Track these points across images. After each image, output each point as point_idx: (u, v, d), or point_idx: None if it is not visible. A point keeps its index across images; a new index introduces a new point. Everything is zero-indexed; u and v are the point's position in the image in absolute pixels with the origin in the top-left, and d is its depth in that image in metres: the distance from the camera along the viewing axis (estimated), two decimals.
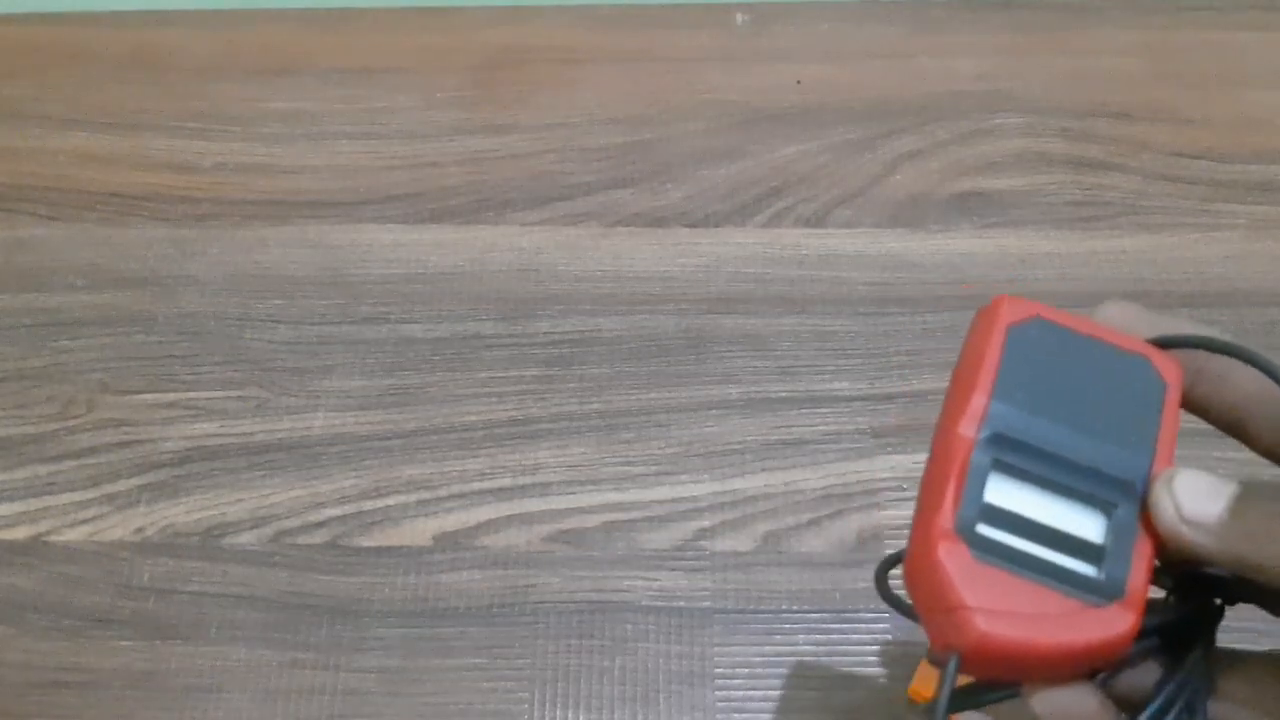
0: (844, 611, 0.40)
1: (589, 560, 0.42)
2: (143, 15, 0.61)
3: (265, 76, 0.58)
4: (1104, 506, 0.23)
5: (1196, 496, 0.22)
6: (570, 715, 0.39)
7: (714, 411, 0.45)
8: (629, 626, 0.40)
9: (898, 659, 0.39)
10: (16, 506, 0.44)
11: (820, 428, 0.45)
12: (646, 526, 0.42)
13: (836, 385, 0.46)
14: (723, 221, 0.51)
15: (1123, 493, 0.23)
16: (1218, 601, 0.26)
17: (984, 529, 0.23)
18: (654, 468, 0.44)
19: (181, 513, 0.43)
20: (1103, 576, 0.23)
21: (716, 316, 0.48)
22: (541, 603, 0.41)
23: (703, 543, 0.42)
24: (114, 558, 0.42)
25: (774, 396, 0.45)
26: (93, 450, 0.45)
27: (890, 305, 0.48)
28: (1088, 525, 0.23)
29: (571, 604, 0.41)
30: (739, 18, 0.60)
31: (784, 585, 0.41)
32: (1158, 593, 0.26)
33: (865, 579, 0.41)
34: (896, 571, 0.27)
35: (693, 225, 0.51)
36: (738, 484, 0.43)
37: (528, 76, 0.57)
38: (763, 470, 0.44)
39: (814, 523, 0.42)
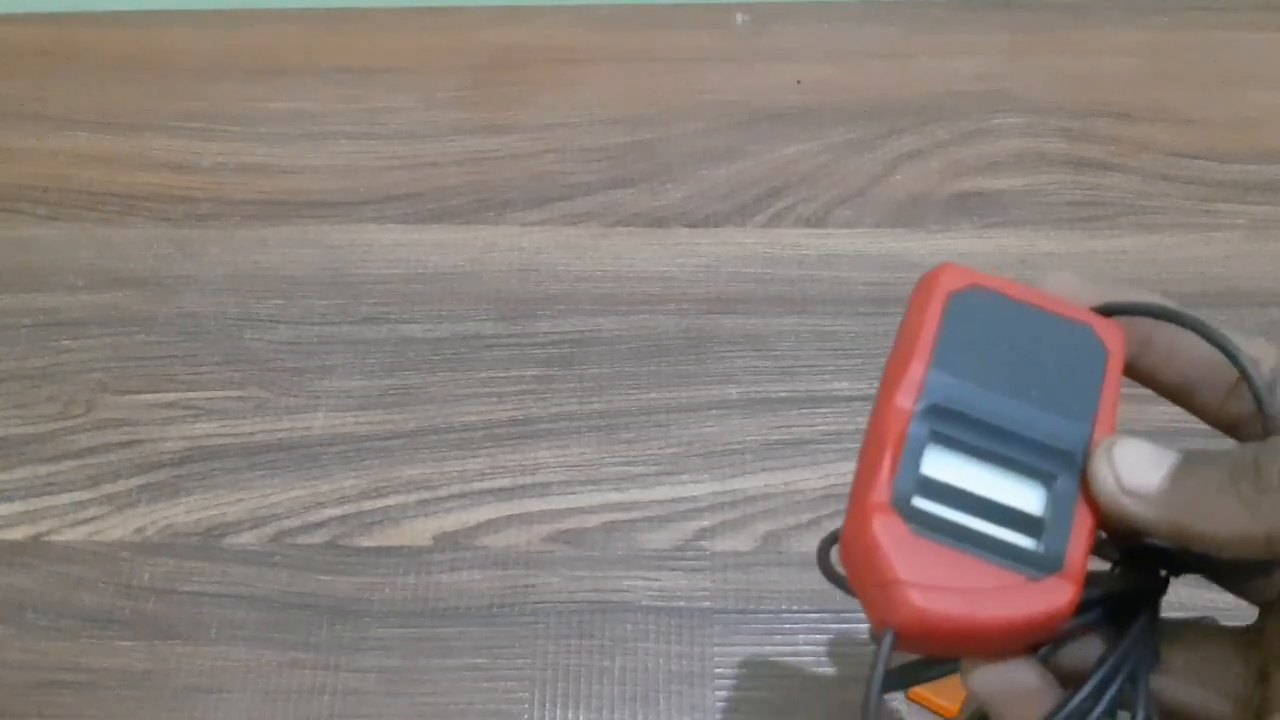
0: (844, 611, 0.40)
1: (589, 560, 0.42)
2: (143, 15, 0.61)
3: (265, 76, 0.58)
4: (1044, 478, 0.23)
5: (1136, 466, 0.22)
6: (570, 715, 0.39)
7: (714, 411, 0.45)
8: (629, 626, 0.40)
9: (897, 660, 0.39)
10: (16, 506, 0.44)
11: (820, 428, 0.45)
12: (646, 526, 0.42)
13: (836, 385, 0.46)
14: (723, 221, 0.51)
15: (1063, 463, 0.23)
16: (1163, 573, 0.25)
17: (920, 502, 0.22)
18: (654, 468, 0.44)
19: (181, 513, 0.43)
20: (1042, 549, 0.22)
21: (716, 316, 0.48)
22: (541, 603, 0.41)
23: (703, 543, 0.42)
24: (114, 558, 0.42)
25: (774, 396, 0.45)
26: (93, 450, 0.45)
27: (890, 305, 0.48)
28: (1027, 497, 0.23)
29: (571, 604, 0.41)
30: (739, 18, 0.60)
31: (784, 585, 0.41)
32: (1102, 565, 0.25)
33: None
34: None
35: (693, 225, 0.51)
36: (738, 484, 0.43)
37: (528, 76, 0.57)
38: (763, 470, 0.44)
39: (814, 523, 0.42)
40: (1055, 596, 0.22)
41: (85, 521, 0.43)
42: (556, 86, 0.57)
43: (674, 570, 0.41)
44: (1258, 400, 0.23)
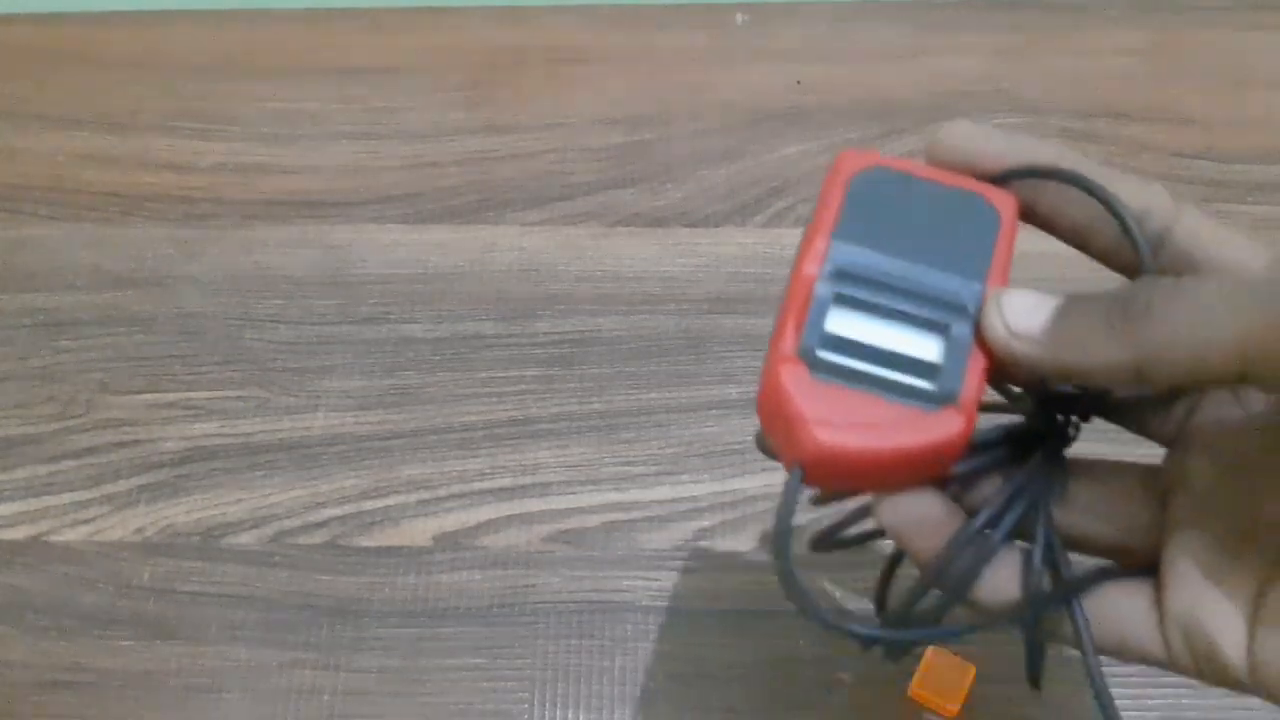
0: (844, 611, 0.40)
1: (589, 560, 0.42)
2: (142, 15, 0.61)
3: (265, 76, 0.58)
4: (940, 329, 0.24)
5: (1023, 311, 0.24)
6: (570, 715, 0.39)
7: (714, 411, 0.45)
8: (629, 626, 0.40)
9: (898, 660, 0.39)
10: (16, 506, 0.44)
11: None
12: (646, 526, 0.42)
13: None
14: (723, 221, 0.51)
15: (958, 315, 0.24)
16: (1073, 418, 0.27)
17: (825, 354, 0.24)
18: (654, 468, 0.44)
19: (181, 513, 0.43)
20: (936, 388, 0.24)
21: (716, 316, 0.48)
22: (541, 603, 0.41)
23: (703, 543, 0.42)
24: (114, 558, 0.42)
25: None
26: (92, 450, 0.45)
27: None
28: (924, 346, 0.24)
29: (571, 604, 0.41)
30: (739, 18, 0.60)
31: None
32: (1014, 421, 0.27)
33: (865, 579, 0.40)
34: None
35: (693, 225, 0.51)
36: (738, 484, 0.43)
37: (528, 76, 0.57)
38: (763, 470, 0.44)
39: (814, 522, 0.42)
40: (950, 425, 0.24)
41: (85, 521, 0.43)
42: (556, 86, 0.57)
43: (674, 570, 0.41)
44: (1136, 251, 0.25)
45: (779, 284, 0.50)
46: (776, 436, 0.25)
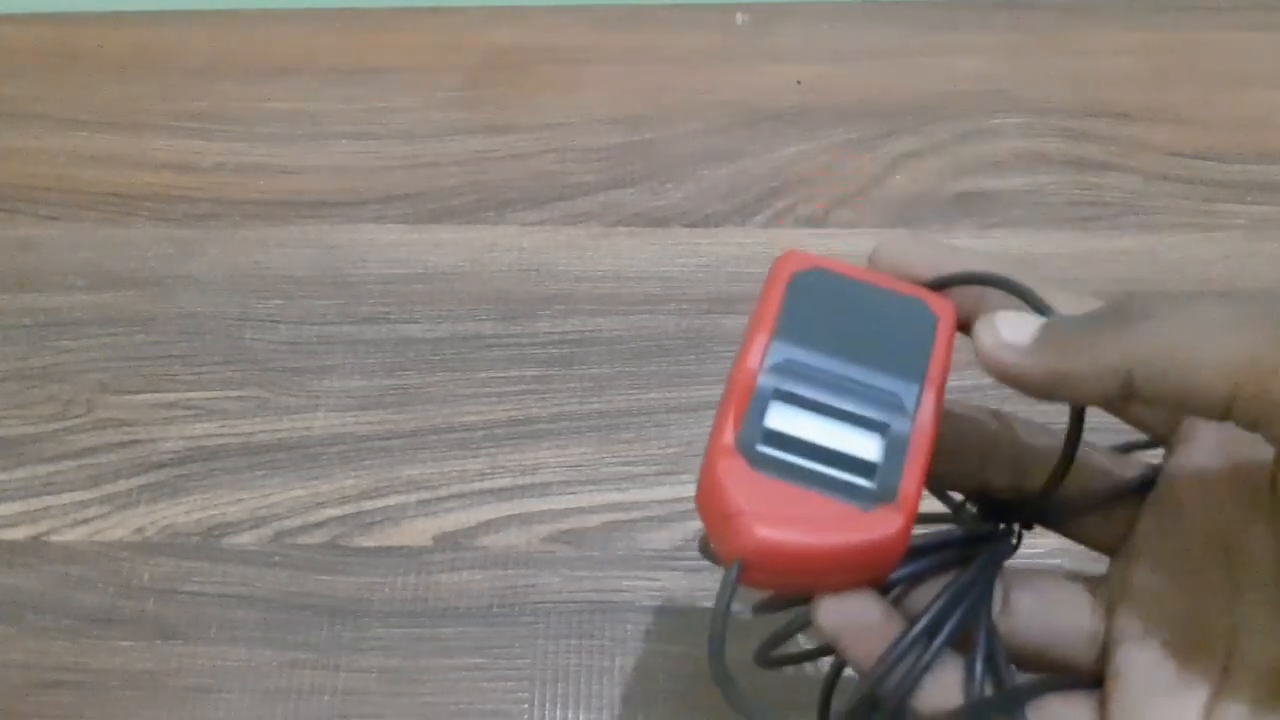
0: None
1: (589, 560, 0.42)
2: (143, 15, 0.61)
3: (265, 76, 0.58)
4: (878, 428, 0.24)
5: (1015, 323, 0.24)
6: (570, 715, 0.39)
7: (714, 411, 0.45)
8: (629, 626, 0.40)
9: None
10: (16, 506, 0.44)
11: None
12: (646, 526, 0.42)
13: None
14: (723, 221, 0.51)
15: (896, 414, 0.24)
16: (1014, 526, 0.28)
17: (764, 449, 0.24)
18: (654, 468, 0.44)
19: (181, 513, 0.43)
20: (875, 486, 0.24)
21: (716, 316, 0.48)
22: (541, 603, 0.41)
23: None
24: (114, 558, 0.42)
25: None
26: (93, 450, 0.45)
27: None
28: (863, 444, 0.24)
29: (571, 604, 0.41)
30: (739, 18, 0.60)
31: None
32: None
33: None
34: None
35: (693, 225, 0.51)
36: None
37: (528, 76, 0.57)
38: None
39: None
40: (888, 524, 0.23)
41: (85, 521, 0.43)
42: (556, 86, 0.57)
43: (674, 570, 0.41)
44: None
45: None
46: (714, 530, 0.25)
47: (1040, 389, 0.24)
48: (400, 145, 0.55)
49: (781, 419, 0.25)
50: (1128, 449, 0.29)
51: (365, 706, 0.39)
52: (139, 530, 0.43)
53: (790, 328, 0.26)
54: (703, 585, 0.41)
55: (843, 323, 0.26)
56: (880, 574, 0.25)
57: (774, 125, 0.55)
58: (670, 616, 0.40)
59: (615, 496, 0.43)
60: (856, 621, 0.25)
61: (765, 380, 0.25)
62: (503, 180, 0.53)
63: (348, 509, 0.43)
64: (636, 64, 0.58)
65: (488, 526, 0.43)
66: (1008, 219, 0.51)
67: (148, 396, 0.46)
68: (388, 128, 0.55)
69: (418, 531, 0.43)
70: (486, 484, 0.44)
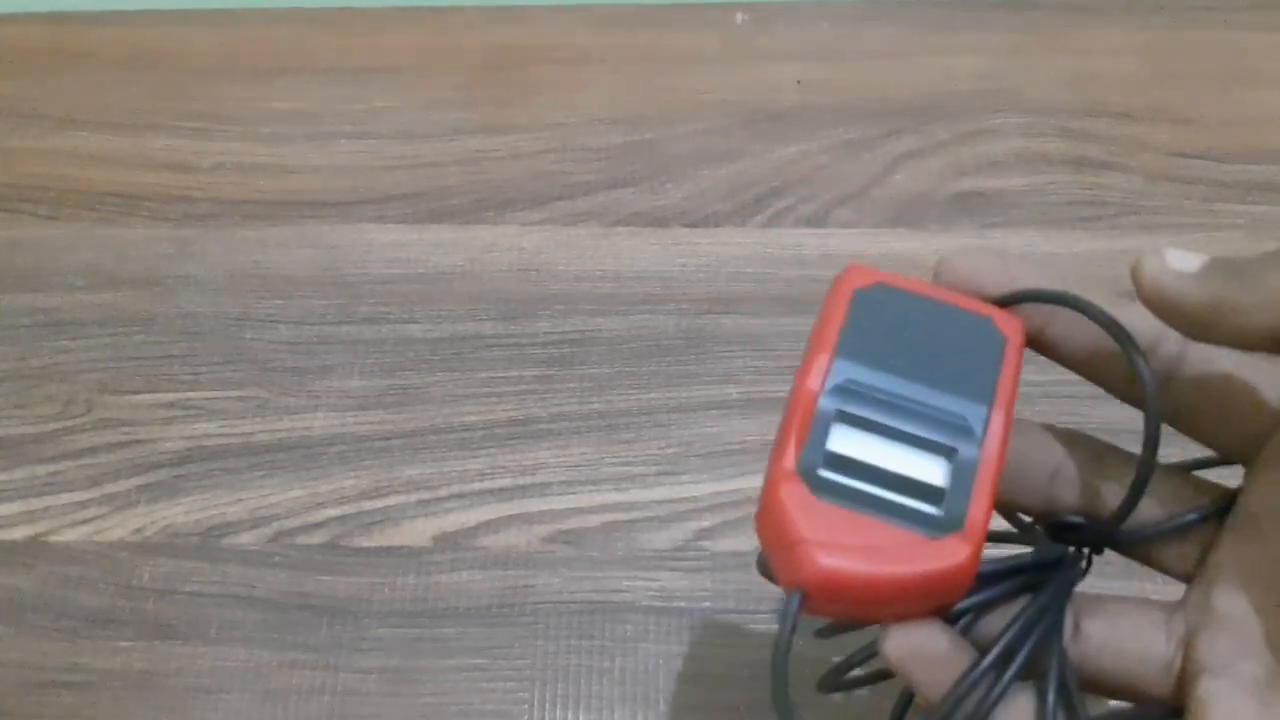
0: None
1: (589, 560, 0.42)
2: (143, 15, 0.61)
3: (265, 76, 0.58)
4: (945, 451, 0.24)
5: (1180, 255, 0.24)
6: (570, 715, 0.39)
7: (714, 411, 0.45)
8: (629, 627, 0.40)
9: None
10: (16, 506, 0.44)
11: None
12: (646, 526, 0.42)
13: None
14: (723, 221, 0.51)
15: (963, 437, 0.24)
16: (1084, 550, 0.27)
17: (826, 473, 0.24)
18: (654, 468, 0.44)
19: (181, 513, 0.43)
20: (942, 513, 0.23)
21: (716, 316, 0.48)
22: (541, 603, 0.41)
23: (703, 543, 0.42)
24: (114, 558, 0.42)
25: (774, 396, 0.45)
26: (92, 450, 0.45)
27: None
28: (929, 469, 0.24)
29: (571, 604, 0.41)
30: (739, 18, 0.60)
31: None
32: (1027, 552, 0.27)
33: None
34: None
35: (693, 225, 0.51)
36: (738, 484, 0.43)
37: (528, 76, 0.57)
38: (763, 470, 0.43)
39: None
40: (955, 553, 0.23)
41: (85, 522, 0.43)
42: (556, 86, 0.57)
43: (674, 570, 0.41)
44: (1139, 379, 0.24)
45: (779, 284, 0.50)
46: (775, 557, 0.24)
47: (1201, 319, 0.23)
48: (400, 145, 0.55)
49: (845, 442, 0.24)
50: (1195, 466, 0.28)
51: (365, 707, 0.39)
52: (138, 530, 0.43)
53: (853, 346, 0.25)
54: (703, 585, 0.41)
55: (907, 341, 0.25)
56: (947, 603, 0.24)
57: (774, 125, 0.55)
58: (670, 616, 0.40)
59: (615, 496, 0.43)
60: (924, 652, 0.24)
61: (827, 401, 0.24)
62: (503, 180, 0.53)
63: (347, 509, 0.43)
64: (636, 64, 0.58)
65: (488, 526, 0.43)
66: (1008, 219, 0.51)
67: (147, 396, 0.46)
68: (388, 128, 0.55)
69: (417, 532, 0.43)
70: (486, 484, 0.44)
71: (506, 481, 0.44)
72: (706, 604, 0.41)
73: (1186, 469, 0.28)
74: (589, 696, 0.39)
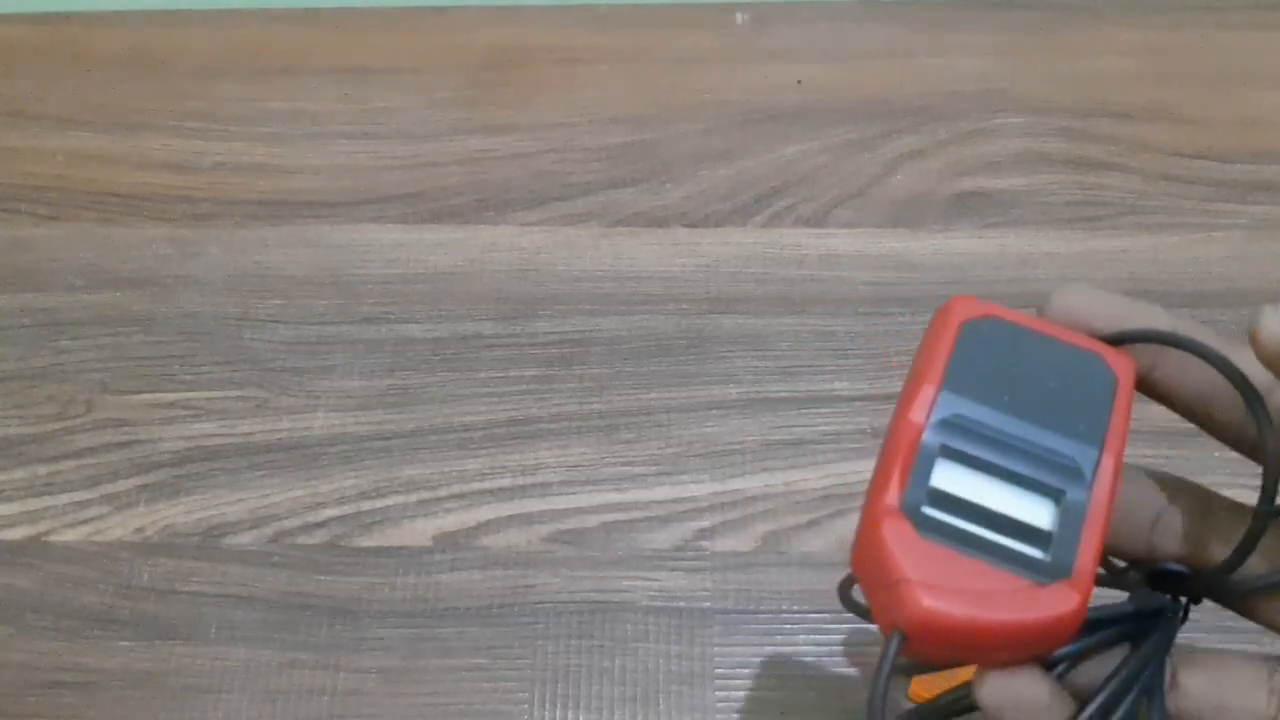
0: (844, 611, 0.40)
1: (589, 560, 0.42)
2: (143, 15, 0.61)
3: (265, 76, 0.58)
4: (1053, 494, 0.23)
5: None
6: (570, 715, 0.39)
7: (714, 411, 0.45)
8: (629, 627, 0.40)
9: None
10: (16, 506, 0.44)
11: (820, 428, 0.44)
12: (646, 526, 0.42)
13: (836, 385, 0.46)
14: (723, 221, 0.51)
15: (1072, 480, 0.23)
16: (1182, 599, 0.26)
17: (930, 510, 0.23)
18: (654, 468, 0.44)
19: (181, 513, 0.43)
20: (1049, 558, 0.22)
21: (716, 316, 0.48)
22: (541, 603, 0.41)
23: (703, 543, 0.42)
24: (114, 558, 0.42)
25: (774, 396, 0.45)
26: (92, 450, 0.45)
27: (890, 305, 0.48)
28: (1036, 511, 0.23)
29: (571, 604, 0.41)
30: (739, 18, 0.60)
31: (784, 585, 0.41)
32: (1120, 596, 0.26)
33: None
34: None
35: (693, 225, 0.51)
36: (738, 484, 0.43)
37: (528, 76, 0.57)
38: (763, 470, 0.44)
39: (814, 523, 0.42)
40: (1062, 602, 0.22)
41: (85, 522, 0.43)
42: (556, 86, 0.57)
43: (674, 570, 0.41)
44: (1259, 429, 0.24)
45: (779, 284, 0.50)
46: (874, 595, 0.23)
47: None
48: (400, 145, 0.55)
49: (949, 479, 0.23)
50: None
51: (365, 707, 0.39)
52: (138, 530, 0.43)
53: (960, 379, 0.24)
54: (703, 585, 0.41)
55: (1016, 377, 0.24)
56: (1049, 650, 0.24)
57: (774, 125, 0.55)
58: (670, 616, 0.40)
59: (615, 496, 0.43)
60: (1023, 700, 0.23)
61: (931, 436, 0.23)
62: (503, 180, 0.53)
63: (347, 509, 0.43)
64: (636, 64, 0.58)
65: (488, 526, 0.43)
66: (1008, 219, 0.51)
67: (147, 396, 0.46)
68: (388, 128, 0.55)
69: (417, 531, 0.43)
70: (486, 484, 0.44)
71: (506, 481, 0.44)
72: (706, 604, 0.41)
73: None
74: (589, 696, 0.39)
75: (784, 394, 0.46)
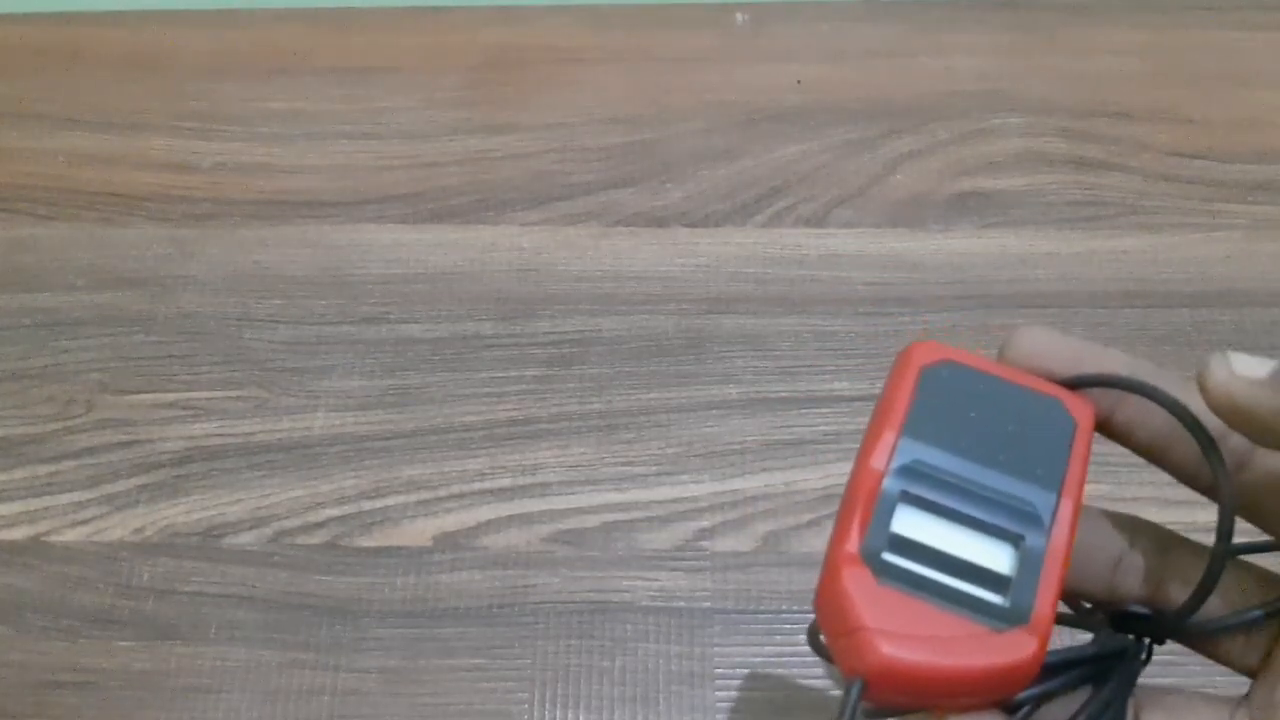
0: None
1: (589, 560, 0.42)
2: (143, 15, 0.61)
3: (265, 76, 0.58)
4: (1011, 539, 0.23)
5: (1248, 361, 0.23)
6: (570, 715, 0.39)
7: (714, 411, 0.45)
8: (629, 627, 0.40)
9: None
10: (16, 506, 0.44)
11: (820, 428, 0.44)
12: (646, 526, 0.42)
13: (836, 385, 0.46)
14: (723, 221, 0.51)
15: (1030, 525, 0.23)
16: (1145, 640, 0.26)
17: (890, 557, 0.23)
18: (654, 468, 0.44)
19: (181, 513, 0.43)
20: (1008, 604, 0.23)
21: (716, 316, 0.48)
22: (541, 603, 0.41)
23: (703, 543, 0.42)
24: (114, 558, 0.42)
25: (774, 396, 0.45)
26: (92, 450, 0.45)
27: (890, 305, 0.48)
28: (995, 556, 0.23)
29: (571, 604, 0.41)
30: (739, 18, 0.60)
31: (784, 585, 0.41)
32: (1084, 637, 0.26)
33: None
34: None
35: (693, 225, 0.51)
36: (738, 484, 0.43)
37: (528, 76, 0.57)
38: (763, 470, 0.44)
39: (814, 523, 0.42)
40: (1020, 647, 0.22)
41: (85, 522, 0.43)
42: (556, 86, 0.57)
43: (674, 570, 0.41)
44: (1213, 471, 0.24)
45: (779, 284, 0.50)
46: (835, 642, 0.23)
47: (1272, 426, 0.22)
48: (400, 145, 0.55)
49: (910, 525, 0.23)
50: (1244, 551, 0.27)
51: (365, 707, 0.39)
52: (138, 530, 0.43)
53: (920, 426, 0.24)
54: (703, 585, 0.41)
55: (976, 423, 0.24)
56: (1009, 695, 0.24)
57: (774, 125, 0.55)
58: (670, 616, 0.40)
59: (615, 496, 0.43)
60: None
61: (892, 482, 0.24)
62: (503, 180, 0.53)
63: (347, 509, 0.43)
64: (636, 64, 0.58)
65: (488, 526, 0.43)
66: (1008, 219, 0.51)
67: (147, 396, 0.46)
68: (388, 128, 0.55)
69: (417, 532, 0.43)
70: (486, 484, 0.44)
71: (506, 481, 0.44)
72: (706, 604, 0.41)
73: (1239, 551, 0.27)
74: (589, 696, 0.39)
75: (784, 394, 0.46)
